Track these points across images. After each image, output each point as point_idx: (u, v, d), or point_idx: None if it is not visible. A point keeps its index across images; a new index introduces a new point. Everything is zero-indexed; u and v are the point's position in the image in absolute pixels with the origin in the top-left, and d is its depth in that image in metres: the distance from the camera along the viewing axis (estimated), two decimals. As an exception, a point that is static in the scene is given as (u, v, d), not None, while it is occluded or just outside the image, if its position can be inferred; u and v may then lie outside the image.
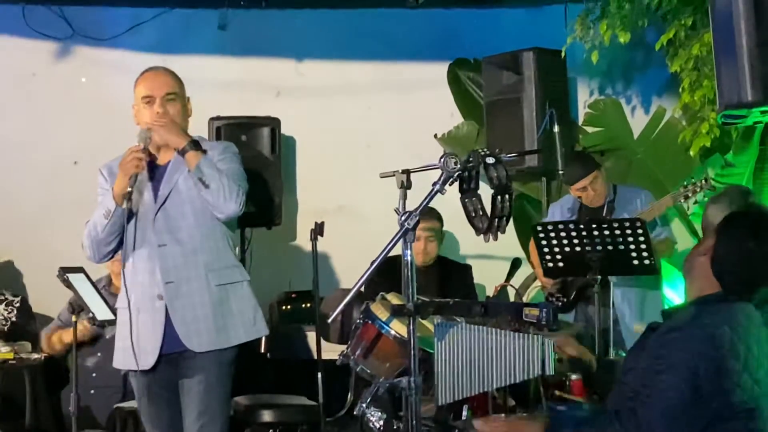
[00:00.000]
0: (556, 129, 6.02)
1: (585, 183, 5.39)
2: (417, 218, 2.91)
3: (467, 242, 6.37)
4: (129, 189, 3.74)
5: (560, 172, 6.04)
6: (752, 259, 2.81)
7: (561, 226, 4.89)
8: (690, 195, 5.09)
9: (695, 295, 2.90)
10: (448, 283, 5.54)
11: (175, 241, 3.84)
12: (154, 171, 3.93)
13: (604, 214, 5.35)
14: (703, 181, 5.07)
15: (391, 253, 2.99)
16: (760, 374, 2.72)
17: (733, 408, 2.68)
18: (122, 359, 3.91)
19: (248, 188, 3.94)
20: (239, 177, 3.91)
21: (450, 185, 2.94)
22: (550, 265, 4.95)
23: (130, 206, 3.82)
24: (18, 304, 5.84)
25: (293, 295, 6.13)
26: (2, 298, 5.85)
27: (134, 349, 3.78)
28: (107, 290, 5.31)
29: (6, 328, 5.75)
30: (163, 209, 3.84)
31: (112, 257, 4.00)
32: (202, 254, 3.85)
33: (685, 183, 5.15)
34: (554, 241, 4.88)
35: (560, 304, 5.33)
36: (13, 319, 5.79)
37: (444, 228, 5.77)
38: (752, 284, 2.84)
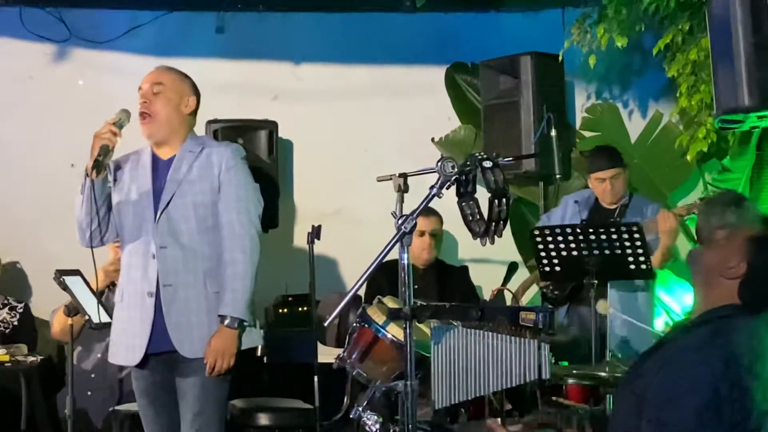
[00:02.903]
0: (553, 133, 6.03)
1: (606, 175, 5.34)
2: (414, 222, 2.91)
3: (464, 246, 6.37)
4: (98, 158, 3.68)
5: (557, 176, 6.05)
6: None
7: (558, 230, 4.88)
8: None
9: (710, 306, 2.87)
10: (447, 285, 5.54)
11: (176, 244, 3.82)
12: (156, 164, 3.93)
13: (615, 217, 5.34)
14: None
15: (394, 257, 2.99)
16: None
17: (750, 425, 2.66)
18: (112, 352, 3.96)
19: (261, 199, 3.97)
20: (251, 194, 3.92)
21: (447, 189, 2.94)
22: (547, 269, 4.95)
23: (105, 178, 3.79)
24: (21, 310, 5.84)
25: (290, 299, 6.12)
26: (6, 302, 5.85)
27: (117, 344, 3.86)
28: (113, 290, 5.26)
29: (7, 331, 5.75)
30: (166, 211, 3.83)
31: (100, 243, 3.95)
32: (202, 260, 3.84)
33: (702, 197, 5.13)
34: (551, 245, 4.87)
35: (554, 296, 5.34)
36: (15, 323, 5.79)
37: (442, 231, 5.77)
38: None
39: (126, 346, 3.85)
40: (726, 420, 2.63)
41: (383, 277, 4.90)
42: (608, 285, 4.94)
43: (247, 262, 3.82)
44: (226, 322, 3.79)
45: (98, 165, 3.70)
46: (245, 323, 3.83)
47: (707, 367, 2.66)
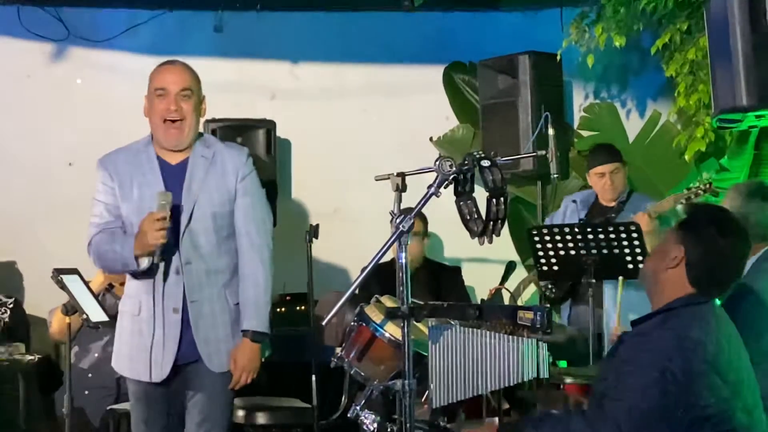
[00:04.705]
0: (551, 132, 6.02)
1: (605, 170, 5.39)
2: (412, 221, 2.91)
3: (462, 245, 6.35)
4: (154, 260, 3.65)
5: (555, 176, 6.04)
6: (727, 257, 2.85)
7: (556, 230, 4.89)
8: (692, 197, 5.07)
9: (664, 302, 2.90)
10: (438, 285, 5.53)
11: (200, 258, 3.75)
12: (164, 168, 3.77)
13: (612, 214, 5.35)
14: (707, 185, 5.06)
15: (384, 258, 2.99)
16: (730, 376, 2.72)
17: (703, 412, 2.68)
18: (128, 367, 3.83)
19: (269, 205, 3.96)
20: (264, 203, 3.89)
21: (445, 188, 2.94)
22: (545, 268, 4.95)
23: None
24: (11, 305, 5.81)
25: (288, 298, 6.12)
26: None
27: (134, 359, 3.76)
28: (111, 292, 5.25)
29: (-1, 328, 5.75)
30: (189, 226, 3.74)
31: None
32: (220, 273, 3.79)
33: (689, 186, 5.14)
34: (549, 245, 4.88)
35: (552, 295, 5.34)
36: (6, 319, 5.77)
37: (438, 232, 5.75)
38: (724, 283, 2.88)
39: (147, 362, 3.74)
40: (673, 401, 2.66)
41: (375, 280, 4.88)
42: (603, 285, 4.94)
43: (267, 274, 3.82)
44: (252, 336, 3.77)
45: (152, 259, 3.66)
46: (267, 335, 3.83)
47: (655, 350, 2.70)
